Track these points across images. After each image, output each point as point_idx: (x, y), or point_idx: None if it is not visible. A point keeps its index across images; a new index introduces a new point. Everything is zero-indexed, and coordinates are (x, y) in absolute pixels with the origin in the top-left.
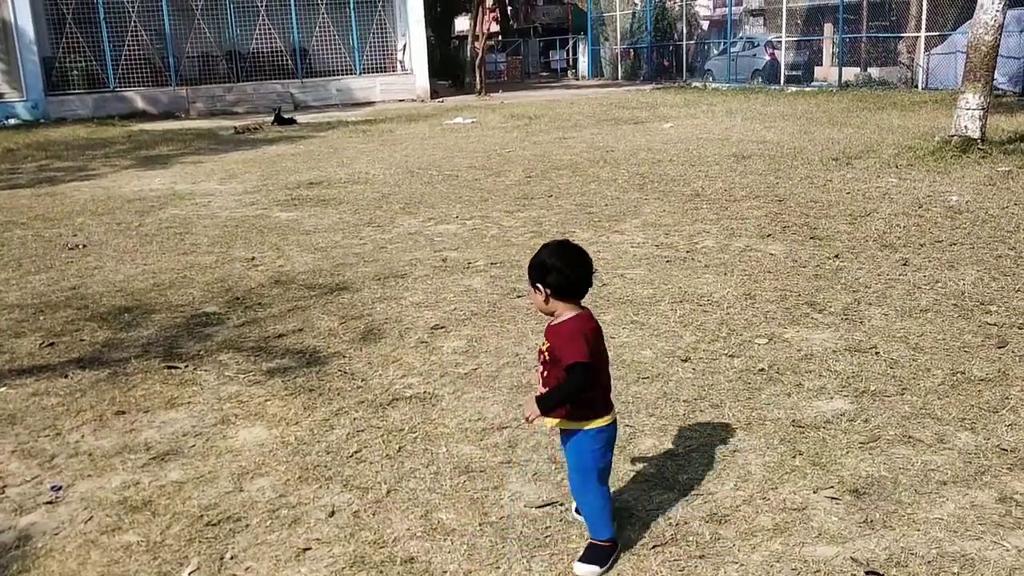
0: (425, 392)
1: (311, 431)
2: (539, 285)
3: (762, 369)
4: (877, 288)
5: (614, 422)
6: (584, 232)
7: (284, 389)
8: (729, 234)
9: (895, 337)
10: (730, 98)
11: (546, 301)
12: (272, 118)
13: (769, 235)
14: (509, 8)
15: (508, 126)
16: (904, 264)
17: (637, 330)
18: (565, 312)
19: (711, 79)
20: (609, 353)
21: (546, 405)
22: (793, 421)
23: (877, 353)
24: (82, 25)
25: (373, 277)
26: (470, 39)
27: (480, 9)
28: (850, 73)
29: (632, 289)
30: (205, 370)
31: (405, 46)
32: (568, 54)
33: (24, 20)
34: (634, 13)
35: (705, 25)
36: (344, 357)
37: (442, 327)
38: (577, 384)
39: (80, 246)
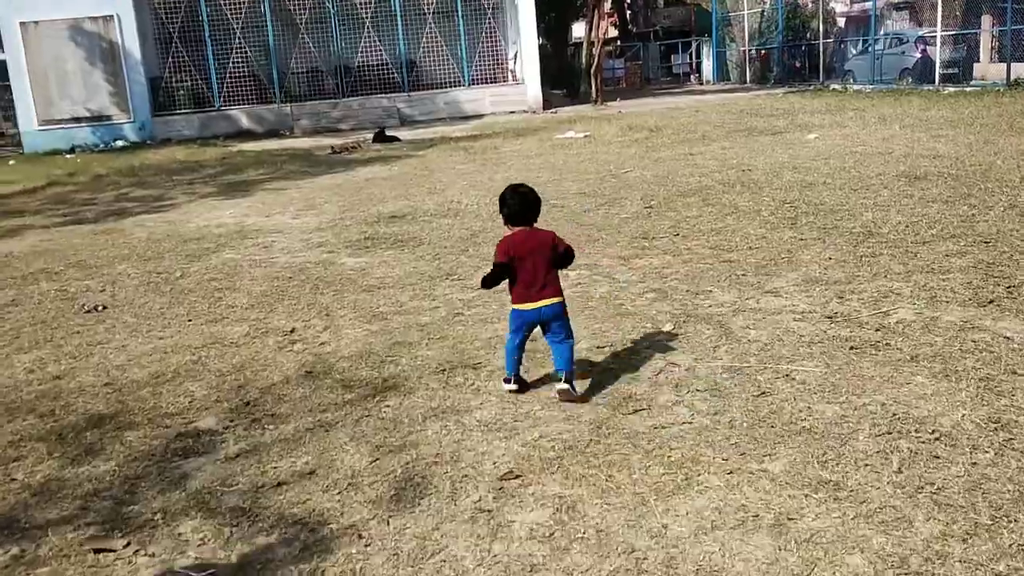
0: None
1: None
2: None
3: None
4: None
5: (525, 311)
6: (725, 293)
7: None
8: (930, 298)
9: None
10: (879, 101)
11: (505, 224)
12: (372, 136)
13: (991, 301)
14: (628, 12)
15: (625, 140)
16: None
17: (830, 502)
18: (512, 231)
19: (852, 80)
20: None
21: (482, 282)
22: None
23: None
24: (188, 44)
25: (435, 368)
26: (585, 45)
27: (596, 13)
28: (1020, 69)
29: (806, 403)
30: (148, 555)
31: (516, 55)
32: (691, 58)
33: (131, 41)
34: (762, 12)
35: (841, 22)
36: (359, 538)
37: (517, 476)
38: (490, 273)
39: (98, 308)
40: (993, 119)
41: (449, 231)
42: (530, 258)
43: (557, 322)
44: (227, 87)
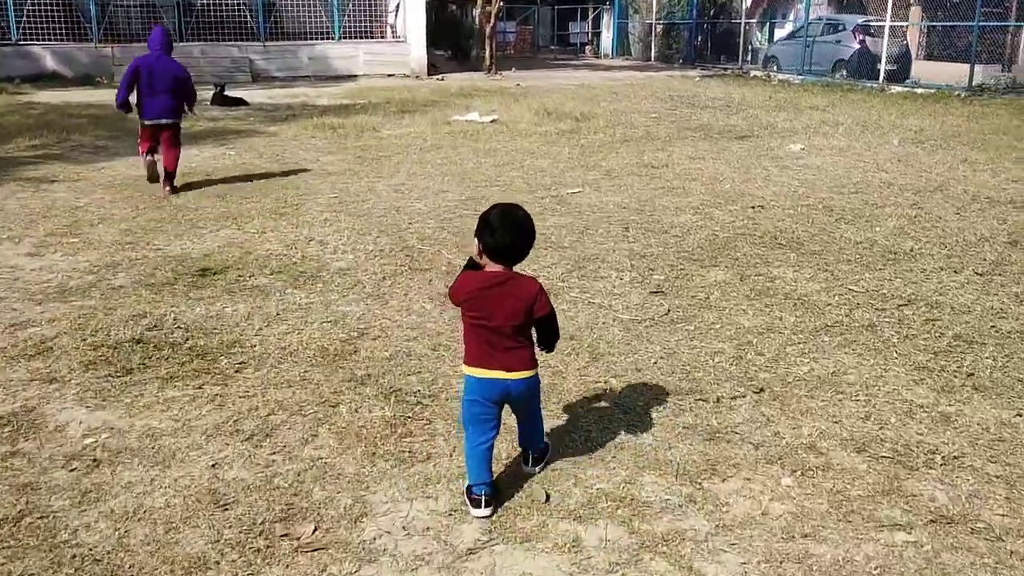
0: None
1: None
2: (476, 239)
3: None
4: None
5: (484, 380)
6: None
7: None
8: None
9: None
10: (825, 99)
11: (479, 255)
12: (212, 95)
13: None
14: None
15: (548, 131)
16: None
17: None
18: (488, 268)
19: (776, 68)
20: None
21: None
22: None
23: None
24: None
25: None
26: (480, 3)
27: None
28: (956, 70)
29: None
30: None
31: (398, 7)
32: (589, 27)
33: None
34: None
35: (747, 2)
36: None
37: None
38: None
39: None
40: (1000, 135)
41: (300, 330)
42: (498, 311)
43: (526, 400)
44: (28, 16)
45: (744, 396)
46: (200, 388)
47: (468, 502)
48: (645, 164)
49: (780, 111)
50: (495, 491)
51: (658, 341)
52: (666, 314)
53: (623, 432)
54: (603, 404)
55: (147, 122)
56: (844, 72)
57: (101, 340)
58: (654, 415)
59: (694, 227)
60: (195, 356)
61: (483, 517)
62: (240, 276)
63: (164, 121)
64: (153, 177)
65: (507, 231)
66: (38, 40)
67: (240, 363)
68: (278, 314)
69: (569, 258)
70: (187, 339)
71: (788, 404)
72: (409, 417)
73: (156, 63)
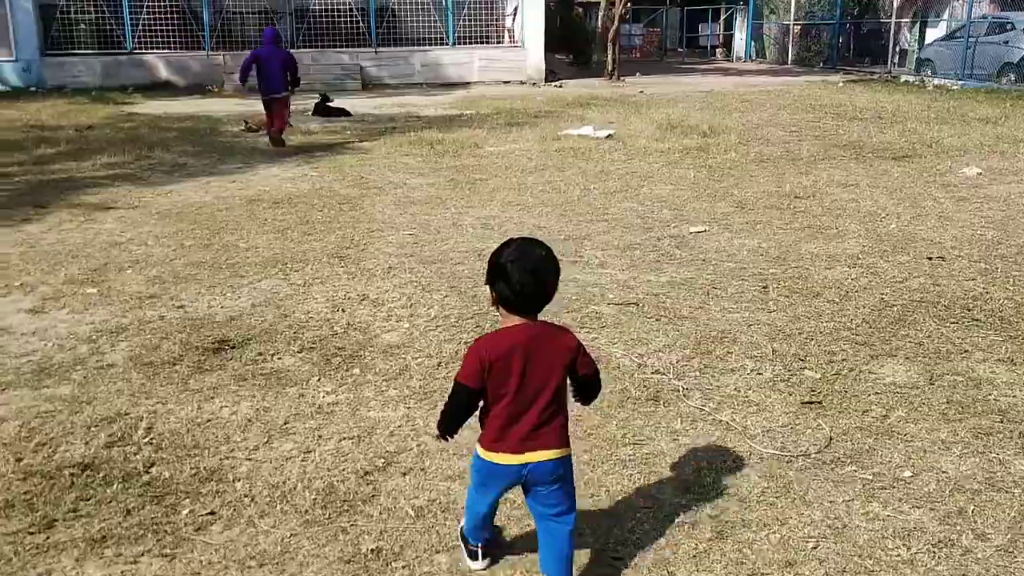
0: None
1: None
2: (488, 286)
3: None
4: None
5: (499, 466)
6: None
7: None
8: None
9: None
10: (997, 108)
11: (494, 304)
12: (314, 105)
13: None
14: None
15: (670, 150)
16: None
17: None
18: (505, 323)
19: (930, 72)
20: None
21: (438, 423)
22: None
23: None
24: None
25: None
26: (603, 4)
27: None
28: None
29: None
30: None
31: (516, 10)
32: (720, 28)
33: None
34: None
35: (897, 1)
36: None
37: None
38: (450, 402)
39: None
40: None
41: (309, 452)
42: (527, 376)
43: (552, 487)
44: (143, 25)
45: None
46: (135, 564)
47: (467, 554)
48: (786, 193)
49: (943, 124)
50: (493, 543)
51: (817, 502)
52: (827, 446)
53: None
54: None
55: (265, 97)
56: (1012, 77)
57: (41, 462)
58: None
59: (855, 288)
60: (150, 499)
61: (480, 570)
62: (261, 354)
63: (277, 95)
64: (279, 143)
65: (524, 275)
66: (152, 49)
67: (208, 514)
68: (286, 422)
69: (688, 336)
70: (151, 464)
71: None
72: None
73: (268, 52)
